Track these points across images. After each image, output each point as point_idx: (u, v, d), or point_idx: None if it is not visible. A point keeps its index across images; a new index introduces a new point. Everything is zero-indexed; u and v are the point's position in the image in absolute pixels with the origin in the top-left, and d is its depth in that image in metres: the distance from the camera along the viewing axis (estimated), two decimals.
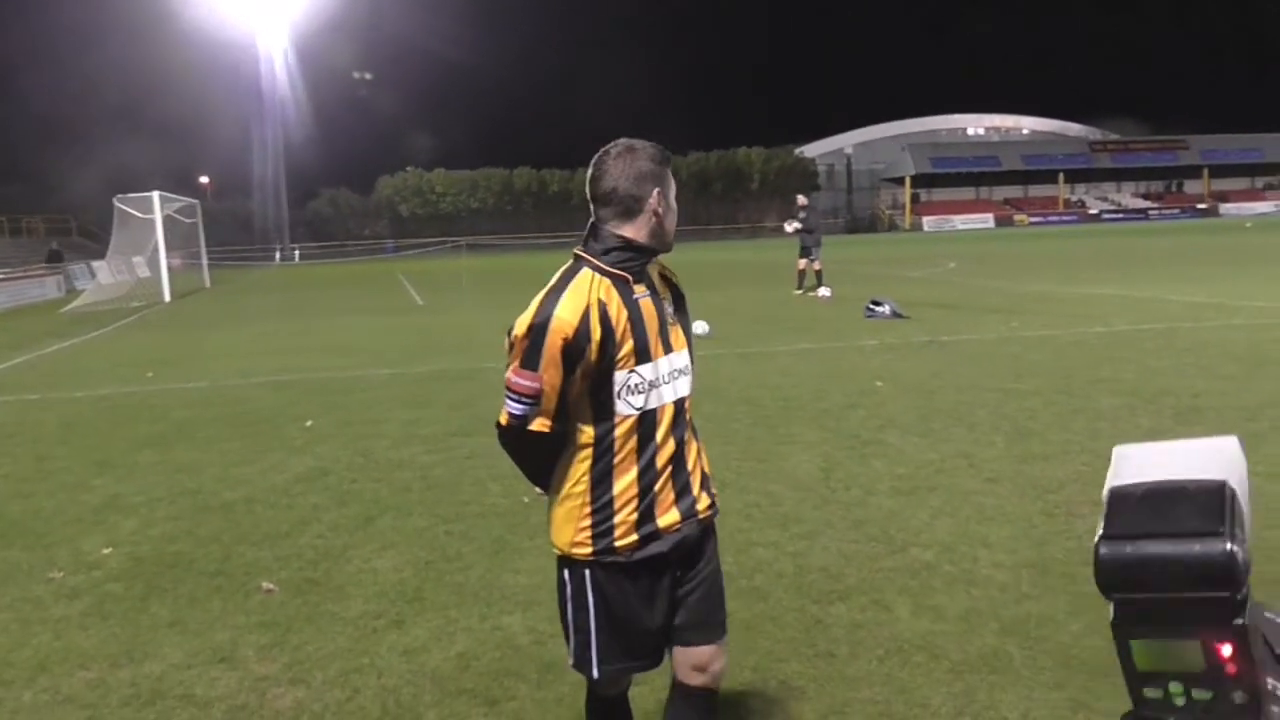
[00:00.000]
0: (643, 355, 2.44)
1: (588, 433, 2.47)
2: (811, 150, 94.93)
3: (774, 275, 25.83)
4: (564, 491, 2.53)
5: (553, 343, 2.38)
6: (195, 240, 39.70)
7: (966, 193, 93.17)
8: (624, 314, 2.43)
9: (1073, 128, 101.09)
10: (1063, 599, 4.16)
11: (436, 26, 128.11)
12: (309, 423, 8.63)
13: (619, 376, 2.43)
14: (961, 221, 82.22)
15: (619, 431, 2.46)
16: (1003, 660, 3.66)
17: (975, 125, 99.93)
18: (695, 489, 2.57)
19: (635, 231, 2.47)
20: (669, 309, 2.55)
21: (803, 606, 4.24)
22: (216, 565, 5.12)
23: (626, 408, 2.44)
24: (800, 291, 20.05)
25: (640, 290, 2.48)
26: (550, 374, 2.41)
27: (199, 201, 41.54)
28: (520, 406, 2.46)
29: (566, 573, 2.58)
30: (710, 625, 2.63)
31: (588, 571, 2.53)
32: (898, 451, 6.76)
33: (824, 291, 19.20)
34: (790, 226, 20.60)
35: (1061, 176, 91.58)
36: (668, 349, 2.50)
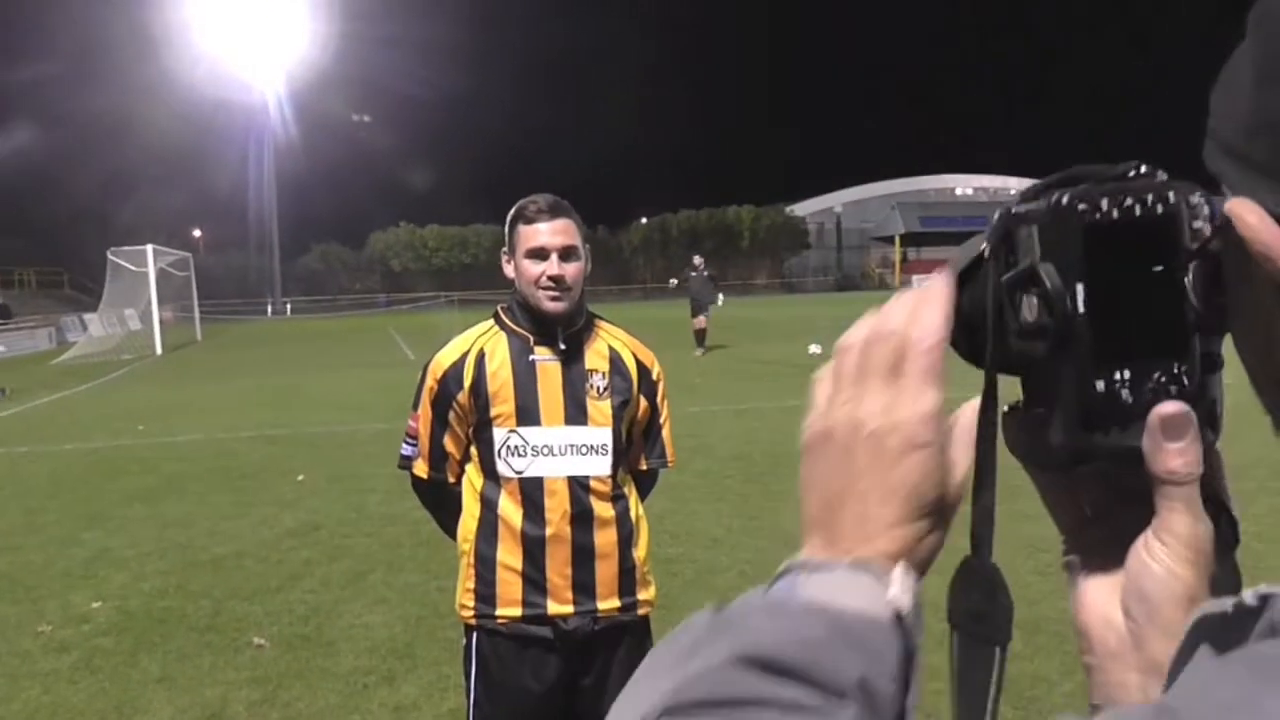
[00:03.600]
0: (527, 417, 2.35)
1: (475, 489, 2.42)
2: (801, 209, 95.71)
3: (762, 331, 25.96)
4: (458, 548, 2.47)
5: (428, 384, 2.42)
6: (188, 293, 39.82)
7: (955, 251, 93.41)
8: (507, 369, 2.36)
9: None
10: (1055, 659, 4.17)
11: (429, 82, 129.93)
12: (300, 477, 8.62)
13: (498, 434, 2.36)
14: None
15: (504, 494, 2.37)
16: None
17: (964, 185, 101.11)
18: (600, 584, 2.40)
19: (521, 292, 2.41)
20: (593, 383, 2.40)
21: None
22: (207, 620, 5.10)
23: (507, 469, 2.36)
24: (700, 352, 20.13)
25: (543, 353, 2.38)
26: (425, 415, 2.43)
27: (191, 255, 41.75)
28: (406, 447, 2.51)
29: (464, 636, 2.49)
30: None
31: (474, 636, 2.43)
32: None
33: (698, 352, 19.94)
34: (673, 283, 22.88)
35: None
36: (571, 420, 2.36)
